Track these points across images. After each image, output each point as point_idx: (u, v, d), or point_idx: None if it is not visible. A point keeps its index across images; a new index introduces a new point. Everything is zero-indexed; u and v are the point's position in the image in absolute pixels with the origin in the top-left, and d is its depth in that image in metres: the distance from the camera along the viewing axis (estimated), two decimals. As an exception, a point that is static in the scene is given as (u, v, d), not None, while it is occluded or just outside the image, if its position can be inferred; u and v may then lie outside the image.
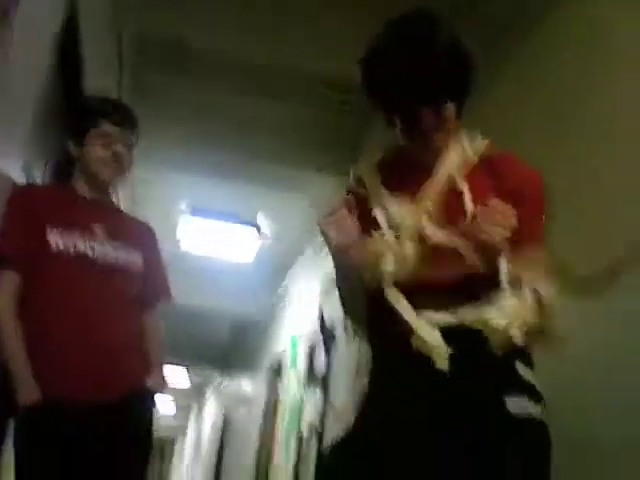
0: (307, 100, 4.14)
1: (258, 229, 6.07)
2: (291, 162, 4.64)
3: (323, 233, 1.40)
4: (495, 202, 1.31)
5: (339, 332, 4.75)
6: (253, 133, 4.34)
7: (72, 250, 1.86)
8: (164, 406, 13.97)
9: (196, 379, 12.36)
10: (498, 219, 1.29)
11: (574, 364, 1.94)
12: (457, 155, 1.45)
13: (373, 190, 1.47)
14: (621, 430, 1.82)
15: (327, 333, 4.96)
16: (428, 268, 1.35)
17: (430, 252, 1.36)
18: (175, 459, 17.60)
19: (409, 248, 1.36)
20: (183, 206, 5.85)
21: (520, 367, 1.35)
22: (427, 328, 1.32)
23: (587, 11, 2.42)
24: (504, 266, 1.31)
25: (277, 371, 7.02)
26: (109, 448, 1.83)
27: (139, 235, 2.06)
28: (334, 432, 4.36)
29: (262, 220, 5.99)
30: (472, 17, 2.83)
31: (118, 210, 2.12)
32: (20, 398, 1.74)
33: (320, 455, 4.60)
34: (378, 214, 1.43)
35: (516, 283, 1.32)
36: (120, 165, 1.97)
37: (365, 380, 1.45)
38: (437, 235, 1.37)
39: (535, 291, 1.31)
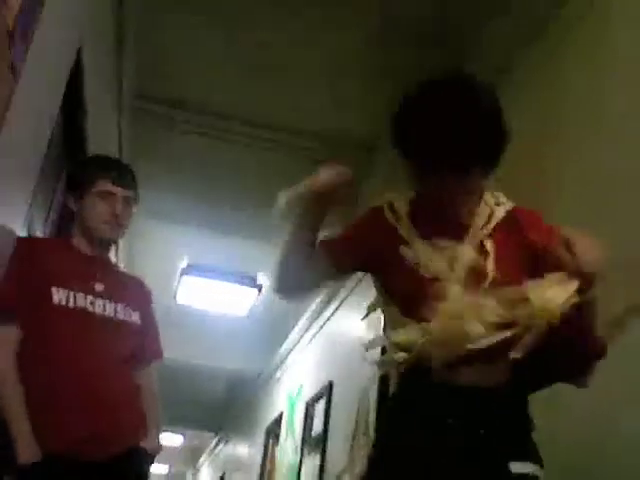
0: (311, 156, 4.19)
1: (259, 288, 6.05)
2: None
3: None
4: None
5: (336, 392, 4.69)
6: (254, 187, 4.38)
7: (72, 305, 1.89)
8: (158, 470, 13.64)
9: (191, 442, 12.11)
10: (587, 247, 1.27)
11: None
12: (484, 217, 1.45)
13: (404, 223, 1.46)
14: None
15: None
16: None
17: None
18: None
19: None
20: (182, 261, 5.85)
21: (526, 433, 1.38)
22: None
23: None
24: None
25: (274, 433, 6.88)
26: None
27: (136, 294, 2.11)
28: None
29: (263, 278, 5.97)
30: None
31: (116, 268, 2.21)
32: (20, 457, 1.71)
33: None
34: (406, 250, 1.41)
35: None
36: (119, 223, 2.03)
37: (368, 438, 1.44)
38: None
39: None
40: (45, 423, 1.76)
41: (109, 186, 2.00)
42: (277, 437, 6.66)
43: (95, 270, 2.00)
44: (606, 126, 2.16)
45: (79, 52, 2.41)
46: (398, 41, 3.31)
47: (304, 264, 1.46)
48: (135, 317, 2.02)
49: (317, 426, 5.04)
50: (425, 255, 1.39)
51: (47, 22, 1.85)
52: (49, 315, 1.86)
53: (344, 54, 3.51)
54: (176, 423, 9.68)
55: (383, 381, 3.65)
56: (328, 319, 5.40)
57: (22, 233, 2.09)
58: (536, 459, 1.36)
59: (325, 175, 1.40)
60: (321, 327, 5.61)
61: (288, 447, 6.00)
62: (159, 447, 2.01)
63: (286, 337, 6.58)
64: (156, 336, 2.15)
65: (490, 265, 1.38)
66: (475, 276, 1.37)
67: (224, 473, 9.88)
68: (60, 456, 1.75)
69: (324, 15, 3.28)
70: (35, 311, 1.85)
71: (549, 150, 2.48)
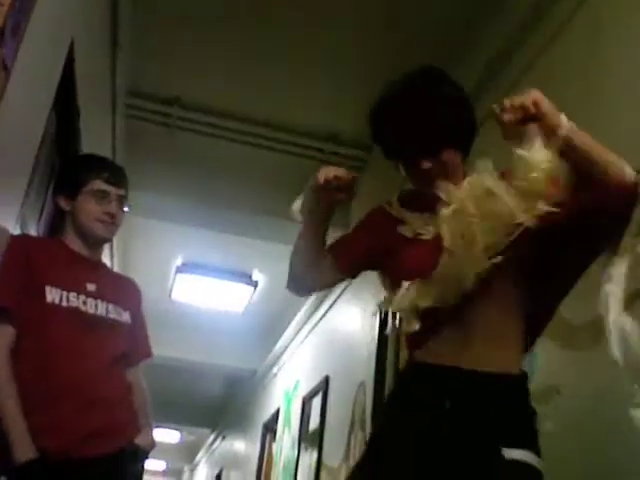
0: (305, 153, 4.19)
1: (254, 285, 6.05)
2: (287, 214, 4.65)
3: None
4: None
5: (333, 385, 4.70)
6: (249, 185, 4.37)
7: (66, 304, 1.89)
8: (155, 467, 13.65)
9: (188, 438, 12.12)
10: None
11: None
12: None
13: (395, 206, 1.58)
14: None
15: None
16: None
17: None
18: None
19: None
20: (177, 259, 5.84)
21: (525, 421, 1.40)
22: None
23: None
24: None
25: (271, 429, 6.89)
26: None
27: (127, 294, 2.12)
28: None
29: (258, 275, 5.97)
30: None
31: (107, 268, 2.23)
32: (16, 456, 1.71)
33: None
34: (403, 228, 1.52)
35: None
36: (112, 222, 2.03)
37: (364, 433, 1.47)
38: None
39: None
40: (40, 421, 1.76)
41: (103, 185, 2.00)
42: (274, 433, 6.67)
43: (87, 270, 2.01)
44: (600, 125, 2.16)
45: (72, 49, 2.40)
46: (398, 41, 3.32)
47: (313, 261, 1.57)
48: (126, 317, 2.03)
49: (314, 421, 5.05)
50: (421, 221, 1.50)
51: (39, 19, 1.84)
52: (43, 314, 1.86)
53: (343, 54, 3.51)
54: (173, 420, 9.69)
55: (379, 376, 3.66)
56: (324, 315, 5.41)
57: (15, 232, 2.09)
58: (533, 448, 1.37)
59: (327, 170, 1.49)
60: (317, 323, 5.62)
61: (285, 443, 6.01)
62: (153, 443, 2.02)
63: (282, 333, 6.59)
64: (146, 336, 2.17)
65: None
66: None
67: (221, 469, 9.89)
68: (55, 454, 1.76)
69: (324, 15, 3.28)
70: (29, 310, 1.84)
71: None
